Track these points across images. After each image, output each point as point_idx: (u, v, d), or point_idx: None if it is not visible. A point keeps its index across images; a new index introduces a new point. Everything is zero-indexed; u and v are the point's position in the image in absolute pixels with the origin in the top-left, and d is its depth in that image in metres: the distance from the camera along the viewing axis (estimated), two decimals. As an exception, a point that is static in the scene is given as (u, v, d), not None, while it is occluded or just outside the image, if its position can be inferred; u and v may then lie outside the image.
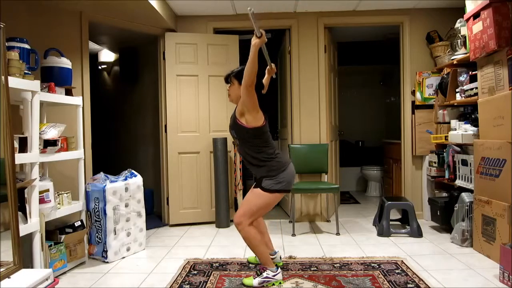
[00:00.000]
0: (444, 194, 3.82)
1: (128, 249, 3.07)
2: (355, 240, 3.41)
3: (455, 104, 3.59)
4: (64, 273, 2.68)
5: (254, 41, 2.18)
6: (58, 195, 2.76)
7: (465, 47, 3.43)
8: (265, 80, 2.74)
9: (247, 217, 2.41)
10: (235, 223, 2.45)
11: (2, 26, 2.03)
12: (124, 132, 4.96)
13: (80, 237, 2.85)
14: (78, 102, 2.92)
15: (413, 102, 4.10)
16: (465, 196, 3.17)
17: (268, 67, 2.72)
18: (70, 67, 2.87)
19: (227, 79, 2.53)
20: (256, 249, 2.45)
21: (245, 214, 2.42)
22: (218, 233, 3.75)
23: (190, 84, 4.07)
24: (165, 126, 4.09)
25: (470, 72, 3.30)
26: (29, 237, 2.35)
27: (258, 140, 2.42)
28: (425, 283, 2.37)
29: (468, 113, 3.50)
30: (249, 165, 2.52)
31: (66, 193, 2.82)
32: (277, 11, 4.10)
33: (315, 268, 2.68)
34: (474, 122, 3.23)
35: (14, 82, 2.18)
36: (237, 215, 2.45)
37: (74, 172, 2.98)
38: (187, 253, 3.11)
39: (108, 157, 4.92)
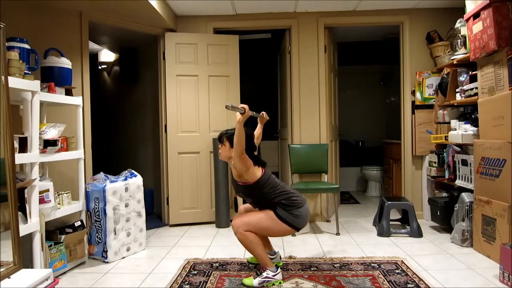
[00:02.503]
0: (444, 194, 3.82)
1: (128, 249, 3.07)
2: (355, 240, 3.41)
3: (455, 104, 3.59)
4: (64, 273, 2.68)
5: (238, 117, 2.28)
6: (58, 195, 2.76)
7: (465, 47, 3.43)
8: (259, 129, 2.83)
9: (246, 227, 2.41)
10: (232, 226, 2.45)
11: (2, 26, 2.03)
12: (124, 132, 4.96)
13: (80, 237, 2.85)
14: (78, 102, 2.92)
15: (413, 102, 4.10)
16: (465, 196, 3.17)
17: (259, 117, 2.80)
18: (70, 67, 2.87)
19: (220, 138, 2.58)
20: (254, 251, 2.44)
21: (246, 224, 2.41)
22: (218, 233, 3.75)
23: (190, 84, 4.07)
24: (165, 126, 4.09)
25: (470, 72, 3.30)
26: (29, 237, 2.35)
27: (266, 188, 2.44)
28: (425, 283, 2.37)
29: (468, 113, 3.51)
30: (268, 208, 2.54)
31: (66, 193, 2.82)
32: (277, 11, 4.10)
33: (315, 268, 2.68)
34: (474, 122, 3.23)
35: (14, 82, 2.18)
36: (237, 221, 2.44)
37: (74, 172, 2.98)
38: (187, 253, 3.11)
39: (108, 157, 4.92)
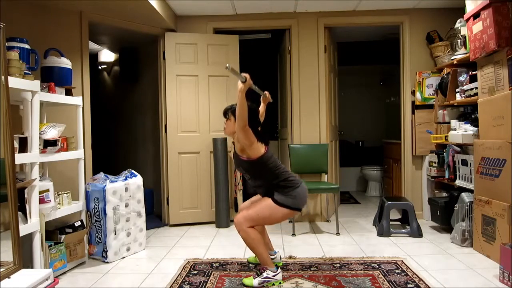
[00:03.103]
0: (444, 194, 3.82)
1: (128, 249, 3.07)
2: (355, 240, 3.41)
3: (455, 104, 3.59)
4: (64, 273, 2.68)
5: (240, 86, 2.24)
6: (58, 195, 2.76)
7: (465, 47, 3.43)
8: (262, 108, 2.80)
9: (248, 222, 2.41)
10: (235, 222, 2.45)
11: (2, 26, 2.03)
12: (124, 132, 4.96)
13: (80, 237, 2.85)
14: (78, 102, 2.92)
15: (413, 102, 4.10)
16: (465, 196, 3.17)
17: (262, 96, 2.78)
18: (70, 67, 2.87)
19: (225, 113, 2.56)
20: (256, 249, 2.44)
21: (247, 219, 2.42)
22: (218, 233, 3.75)
23: (190, 84, 4.07)
24: (165, 126, 4.09)
25: (470, 72, 3.30)
26: (29, 237, 2.35)
27: (267, 167, 2.44)
28: (425, 283, 2.37)
29: (468, 113, 3.51)
30: (265, 193, 2.53)
31: (66, 193, 2.82)
32: (277, 11, 4.10)
33: (315, 268, 2.68)
34: (474, 122, 3.23)
35: (14, 82, 2.18)
36: (239, 217, 2.44)
37: (74, 172, 2.98)
38: (187, 253, 3.11)
39: (108, 157, 4.92)
